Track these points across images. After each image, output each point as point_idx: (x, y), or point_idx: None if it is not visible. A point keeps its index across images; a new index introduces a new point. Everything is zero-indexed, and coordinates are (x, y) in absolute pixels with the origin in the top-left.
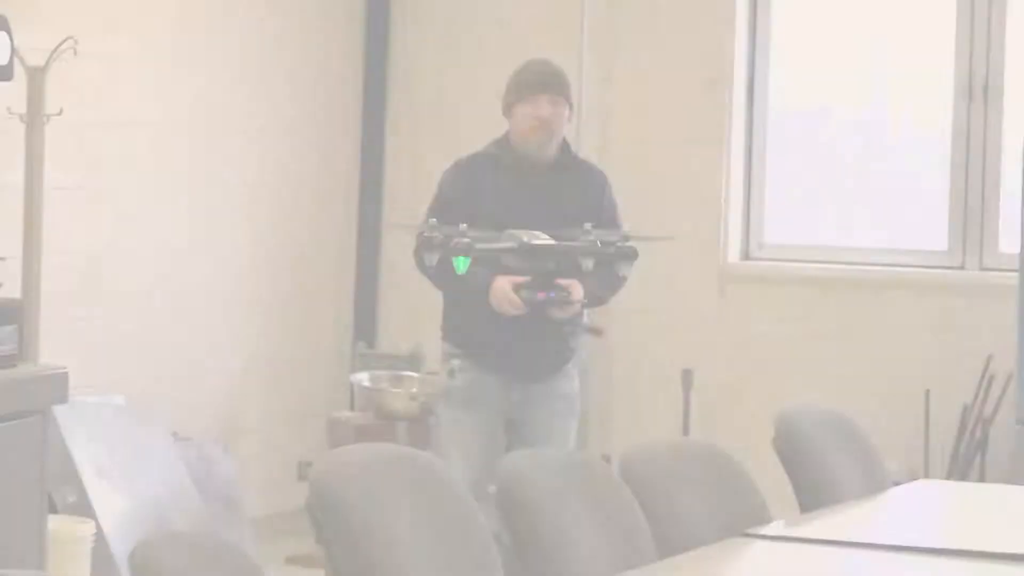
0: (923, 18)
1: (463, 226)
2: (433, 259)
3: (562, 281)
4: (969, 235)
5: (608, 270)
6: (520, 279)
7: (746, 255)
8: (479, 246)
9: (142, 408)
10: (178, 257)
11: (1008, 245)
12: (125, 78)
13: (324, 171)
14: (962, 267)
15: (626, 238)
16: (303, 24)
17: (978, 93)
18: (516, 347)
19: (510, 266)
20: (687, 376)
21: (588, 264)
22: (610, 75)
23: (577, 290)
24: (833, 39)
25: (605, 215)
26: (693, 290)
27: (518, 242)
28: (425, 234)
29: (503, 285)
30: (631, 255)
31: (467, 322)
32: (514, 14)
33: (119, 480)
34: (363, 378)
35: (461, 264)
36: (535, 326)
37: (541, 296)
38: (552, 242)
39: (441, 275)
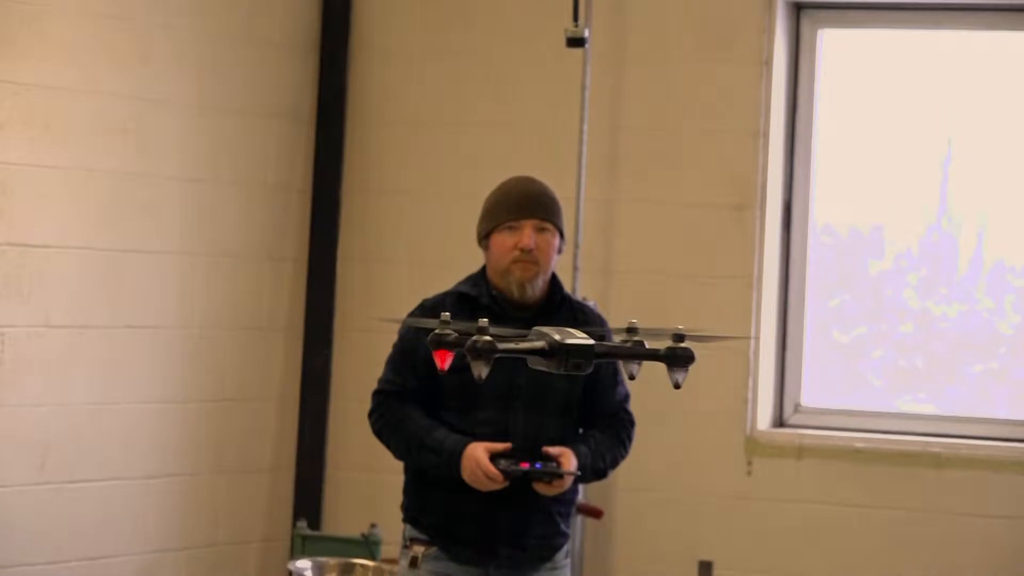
0: (1001, 121)
1: (484, 321)
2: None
3: (550, 449)
4: None
5: (611, 434)
6: (499, 446)
7: (779, 421)
8: (503, 346)
9: None
10: (79, 414)
11: None
12: (21, 193)
13: (262, 310)
14: None
15: (680, 337)
16: (239, 131)
17: None
18: (493, 531)
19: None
20: (705, 569)
21: (634, 370)
22: (613, 197)
23: (569, 460)
24: (888, 148)
25: (604, 370)
26: (714, 464)
27: (548, 341)
28: (437, 332)
29: (477, 454)
30: (687, 359)
31: (433, 499)
32: (498, 119)
33: None
34: (304, 567)
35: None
36: (517, 505)
37: (524, 467)
38: (589, 341)
39: (400, 439)
